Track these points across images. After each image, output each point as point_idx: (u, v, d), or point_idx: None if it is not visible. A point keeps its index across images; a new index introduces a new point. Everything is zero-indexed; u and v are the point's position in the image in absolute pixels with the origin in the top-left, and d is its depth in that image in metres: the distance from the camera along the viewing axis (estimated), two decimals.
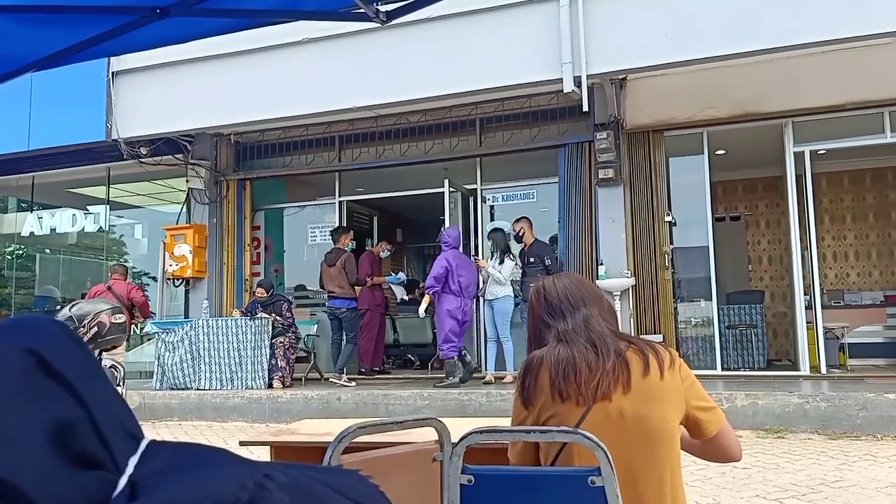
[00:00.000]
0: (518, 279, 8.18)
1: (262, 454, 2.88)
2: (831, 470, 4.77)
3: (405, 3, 2.36)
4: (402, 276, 9.70)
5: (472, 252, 9.37)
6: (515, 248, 8.66)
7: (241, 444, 2.73)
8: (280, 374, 8.44)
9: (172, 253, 9.69)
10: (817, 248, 8.69)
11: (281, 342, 8.58)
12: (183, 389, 8.38)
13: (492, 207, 9.72)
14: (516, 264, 8.19)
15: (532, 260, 8.06)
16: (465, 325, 8.06)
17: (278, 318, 8.67)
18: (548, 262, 7.96)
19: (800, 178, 8.14)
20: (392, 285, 9.52)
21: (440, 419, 1.82)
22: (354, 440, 1.73)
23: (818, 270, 8.57)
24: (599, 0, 7.37)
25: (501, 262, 8.14)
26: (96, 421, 0.48)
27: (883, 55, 7.26)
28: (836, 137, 8.13)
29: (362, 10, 2.34)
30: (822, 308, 8.21)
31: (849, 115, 7.78)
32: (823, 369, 7.84)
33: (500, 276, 8.03)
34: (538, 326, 1.90)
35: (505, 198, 9.65)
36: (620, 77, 8.09)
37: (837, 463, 4.97)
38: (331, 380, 8.29)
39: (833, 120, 7.89)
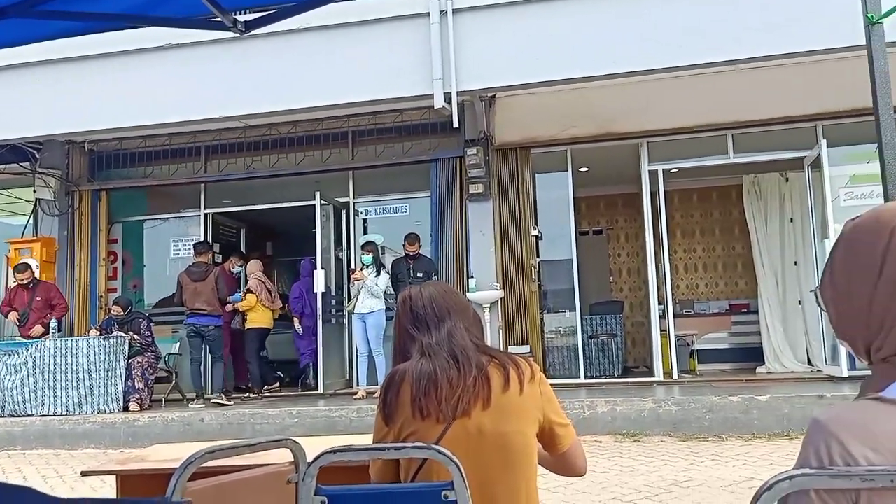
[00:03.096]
0: (392, 292, 8.19)
1: (108, 484, 2.70)
2: (681, 470, 5.08)
3: (263, 14, 2.31)
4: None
5: (347, 265, 9.30)
6: (387, 261, 8.70)
7: (83, 474, 2.55)
8: (137, 395, 7.98)
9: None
10: (670, 260, 9.27)
11: (139, 362, 8.13)
12: (25, 416, 7.74)
13: (365, 220, 9.69)
14: (399, 279, 8.20)
15: (420, 275, 8.09)
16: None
17: (136, 336, 8.21)
18: (435, 277, 8.05)
19: (654, 195, 8.67)
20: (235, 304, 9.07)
21: (295, 439, 1.77)
22: (211, 464, 1.66)
23: (671, 281, 9.13)
24: (469, 19, 7.56)
25: (378, 274, 8.14)
26: None
27: (726, 81, 7.88)
28: (685, 157, 8.72)
29: (219, 20, 2.28)
30: (674, 317, 8.75)
31: (696, 136, 8.38)
32: (675, 375, 8.35)
33: (377, 289, 8.03)
34: (404, 339, 1.89)
35: (378, 211, 9.66)
36: (489, 95, 8.32)
37: (687, 464, 5.30)
38: (213, 401, 7.92)
39: (683, 141, 8.48)
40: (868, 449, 0.85)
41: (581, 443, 1.87)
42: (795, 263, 9.18)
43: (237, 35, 2.50)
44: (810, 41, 6.70)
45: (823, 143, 7.75)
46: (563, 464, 1.87)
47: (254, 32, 2.64)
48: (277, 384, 9.14)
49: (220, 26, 2.32)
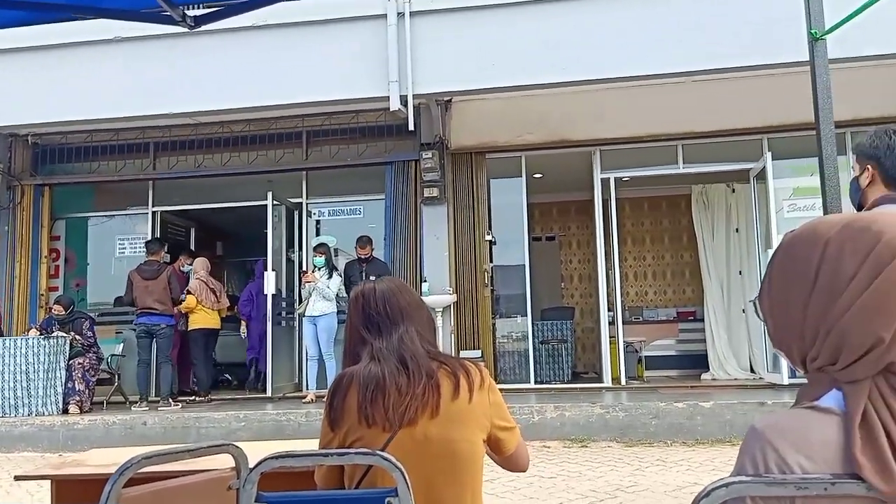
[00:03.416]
0: (344, 295, 8.13)
1: (45, 488, 2.61)
2: (627, 476, 5.14)
3: (214, 10, 2.27)
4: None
5: (299, 267, 9.20)
6: (340, 264, 8.62)
7: (17, 478, 2.45)
8: (77, 398, 7.74)
9: None
10: (620, 267, 9.40)
11: (80, 363, 7.89)
12: None
13: (318, 222, 9.60)
14: (341, 279, 8.15)
15: (373, 279, 8.02)
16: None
17: (78, 336, 7.98)
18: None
19: (606, 203, 8.79)
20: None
21: (237, 444, 1.74)
22: (153, 469, 1.60)
23: (620, 288, 9.27)
24: (426, 22, 7.55)
25: (330, 276, 8.07)
26: None
27: (676, 93, 8.04)
28: (637, 166, 8.87)
29: (168, 13, 2.22)
30: (623, 323, 8.89)
31: (648, 146, 8.53)
32: (623, 381, 8.47)
33: (329, 291, 7.96)
34: (355, 339, 1.85)
35: (331, 213, 9.58)
36: (445, 99, 8.33)
37: (632, 469, 5.37)
38: (160, 408, 7.71)
39: (634, 150, 8.61)
40: (802, 457, 0.86)
41: (524, 443, 1.87)
42: (740, 273, 9.41)
43: (187, 30, 2.45)
44: (755, 57, 6.88)
45: (768, 155, 7.97)
46: (507, 463, 1.88)
47: (208, 28, 2.59)
48: (208, 397, 8.53)
49: (168, 20, 2.26)
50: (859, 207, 2.20)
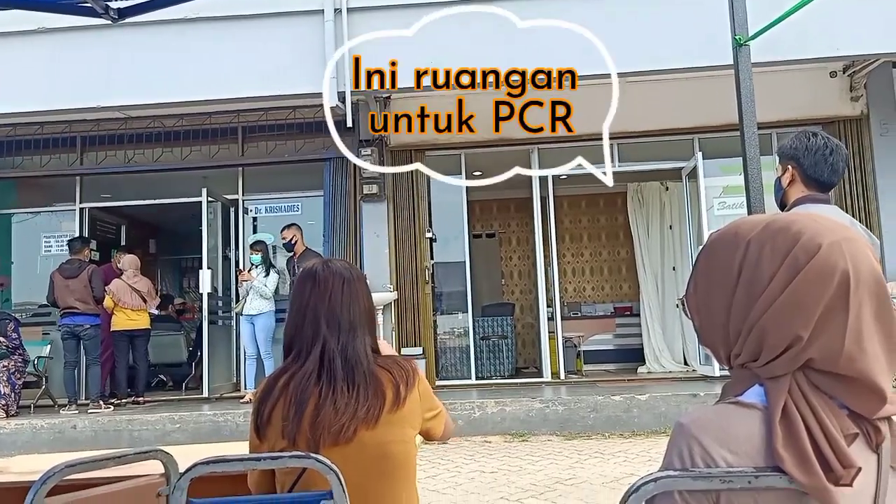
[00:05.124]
0: (281, 292, 8.02)
1: None
2: (566, 469, 5.22)
3: (138, 2, 2.18)
4: None
5: (234, 265, 9.02)
6: (280, 261, 8.50)
7: None
8: (3, 401, 7.43)
9: None
10: (558, 264, 9.53)
11: (5, 366, 7.57)
12: None
13: (255, 219, 9.44)
14: (280, 277, 8.04)
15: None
16: None
17: (2, 339, 7.65)
18: None
19: (544, 200, 8.90)
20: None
21: (166, 450, 1.68)
22: (81, 476, 1.54)
23: (559, 284, 9.39)
24: (364, 18, 7.49)
25: (267, 274, 7.94)
26: None
27: (610, 94, 8.16)
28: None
29: (89, 5, 2.13)
30: (562, 319, 9.01)
31: (584, 144, 8.65)
32: (563, 375, 8.60)
33: (266, 290, 7.83)
34: (306, 329, 1.75)
35: (269, 209, 9.43)
36: (384, 95, 8.27)
37: (571, 462, 5.45)
38: (90, 411, 7.43)
39: (571, 148, 8.72)
40: (727, 451, 0.89)
41: (448, 415, 1.87)
42: (674, 268, 9.66)
43: (110, 22, 2.36)
44: (683, 59, 7.06)
45: (699, 155, 8.19)
46: (438, 440, 1.89)
47: (138, 19, 2.50)
48: (118, 401, 8.15)
49: (89, 12, 2.17)
50: (782, 206, 2.29)
